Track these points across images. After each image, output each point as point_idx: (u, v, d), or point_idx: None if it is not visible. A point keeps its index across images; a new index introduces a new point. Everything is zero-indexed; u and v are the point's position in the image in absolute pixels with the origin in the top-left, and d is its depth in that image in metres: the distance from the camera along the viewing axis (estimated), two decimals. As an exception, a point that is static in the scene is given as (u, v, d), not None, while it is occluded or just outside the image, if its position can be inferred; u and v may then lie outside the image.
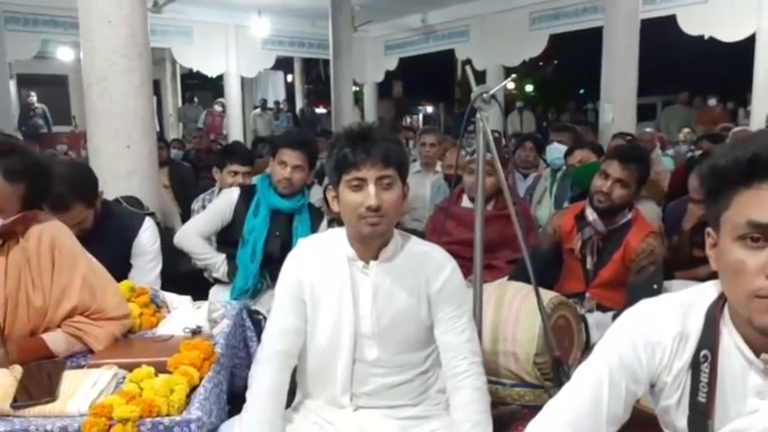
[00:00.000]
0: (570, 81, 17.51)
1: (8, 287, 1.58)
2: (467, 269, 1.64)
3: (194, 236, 2.70)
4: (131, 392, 1.39)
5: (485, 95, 1.65)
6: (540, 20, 9.70)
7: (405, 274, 1.52)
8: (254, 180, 2.88)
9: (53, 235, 1.66)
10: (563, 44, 10.99)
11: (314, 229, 2.72)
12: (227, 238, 2.74)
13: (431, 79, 17.10)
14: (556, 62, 18.74)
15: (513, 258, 2.67)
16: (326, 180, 3.54)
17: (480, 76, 9.51)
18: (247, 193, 2.71)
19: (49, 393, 1.39)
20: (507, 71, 10.11)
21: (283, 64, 14.85)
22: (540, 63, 17.16)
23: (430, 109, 19.21)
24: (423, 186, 4.24)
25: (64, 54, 12.68)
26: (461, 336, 1.53)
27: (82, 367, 1.58)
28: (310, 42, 12.44)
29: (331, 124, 10.02)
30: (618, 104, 5.81)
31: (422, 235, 2.27)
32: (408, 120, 17.80)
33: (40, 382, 1.43)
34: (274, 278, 2.59)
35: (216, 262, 2.72)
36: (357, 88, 13.23)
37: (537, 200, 4.07)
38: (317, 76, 17.02)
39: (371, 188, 1.42)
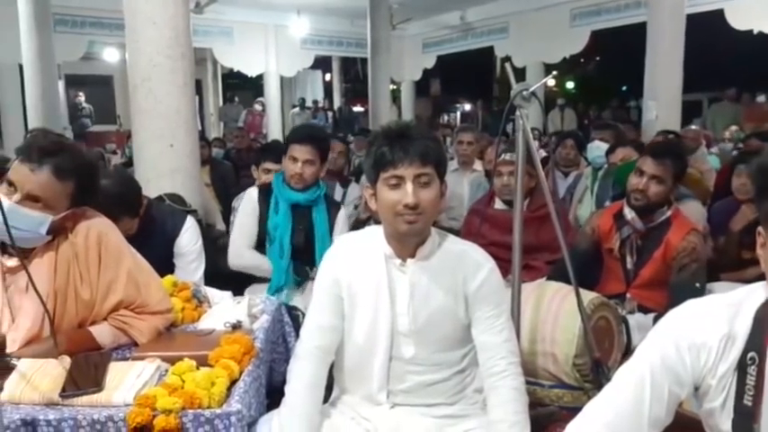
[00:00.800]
0: (612, 78, 17.15)
1: (57, 281, 1.64)
2: (503, 270, 1.62)
3: (246, 249, 2.69)
4: (174, 384, 1.42)
5: (524, 93, 1.63)
6: (581, 16, 9.54)
7: (442, 273, 1.52)
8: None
9: (100, 231, 1.71)
10: (605, 40, 10.78)
11: (331, 219, 2.73)
12: (256, 240, 2.75)
13: (469, 77, 16.99)
14: (597, 59, 18.39)
15: (552, 259, 2.63)
16: (364, 178, 3.56)
17: (520, 74, 9.40)
18: (265, 191, 2.73)
19: (96, 384, 1.44)
20: (547, 68, 9.97)
21: (321, 63, 14.97)
22: (582, 60, 16.85)
23: (468, 107, 19.07)
24: (460, 185, 4.22)
25: (109, 55, 13.06)
26: (499, 335, 1.52)
27: (127, 359, 1.62)
28: (348, 41, 12.50)
29: (368, 123, 10.05)
30: (662, 102, 5.67)
31: (458, 234, 2.27)
32: (446, 118, 17.73)
33: (87, 372, 1.47)
34: (303, 270, 2.65)
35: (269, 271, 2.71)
36: (394, 86, 13.24)
37: (578, 199, 4.01)
38: (354, 75, 17.10)
39: (409, 186, 1.42)
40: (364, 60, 11.00)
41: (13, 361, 1.47)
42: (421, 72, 13.26)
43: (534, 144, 1.69)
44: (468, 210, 3.33)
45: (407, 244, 1.51)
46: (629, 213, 2.46)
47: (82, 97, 12.71)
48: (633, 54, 6.90)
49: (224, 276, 2.68)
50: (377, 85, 9.20)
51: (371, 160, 1.48)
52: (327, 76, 17.53)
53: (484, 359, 1.53)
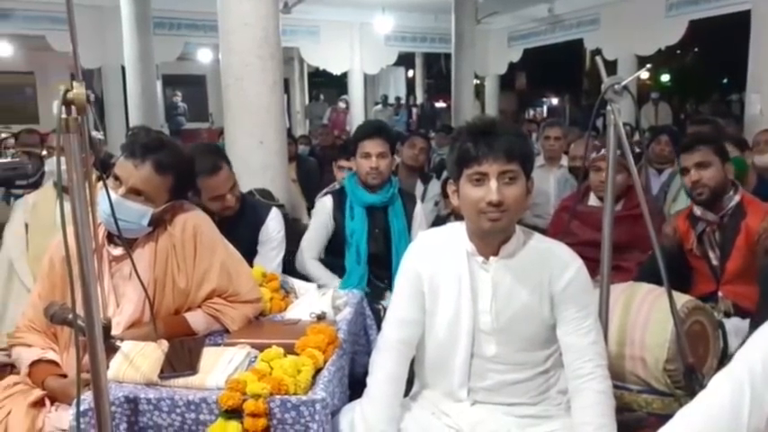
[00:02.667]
0: (712, 70, 16.17)
1: (157, 270, 1.75)
2: (592, 270, 1.58)
3: (310, 260, 2.69)
4: (263, 371, 1.48)
5: (616, 86, 1.58)
6: (677, 5, 9.02)
7: (526, 272, 1.49)
8: (343, 182, 2.85)
9: (196, 223, 1.81)
10: (704, 30, 10.15)
11: (408, 215, 2.69)
12: (335, 247, 2.74)
13: (556, 70, 16.52)
14: (695, 50, 17.38)
15: (643, 260, 2.53)
16: (445, 173, 3.55)
17: (611, 66, 9.04)
18: (339, 197, 2.70)
19: (191, 367, 1.52)
20: (641, 61, 9.51)
21: (405, 59, 15.00)
22: (678, 51, 15.98)
23: (555, 101, 18.56)
24: (546, 181, 4.12)
25: (203, 55, 13.67)
26: (586, 337, 1.48)
27: (219, 345, 1.71)
28: (432, 37, 12.45)
29: (451, 119, 9.99)
30: (767, 95, 5.28)
31: (543, 232, 2.22)
32: (531, 112, 17.33)
33: (182, 356, 1.57)
34: (382, 275, 2.63)
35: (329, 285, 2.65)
36: (478, 81, 13.08)
37: (672, 197, 3.81)
38: (437, 71, 17.04)
39: (493, 183, 1.41)
40: (448, 56, 10.93)
41: (118, 343, 1.59)
42: (506, 66, 13.00)
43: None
44: (559, 206, 3.25)
45: (490, 242, 1.50)
46: (697, 210, 2.42)
47: (178, 96, 13.42)
48: (735, 44, 6.48)
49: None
50: (460, 80, 9.12)
51: (455, 156, 1.47)
52: (410, 73, 17.56)
53: (569, 361, 1.49)
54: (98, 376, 1.20)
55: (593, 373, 1.46)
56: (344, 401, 1.69)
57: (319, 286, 2.67)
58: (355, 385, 1.80)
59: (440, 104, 15.56)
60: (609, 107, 1.61)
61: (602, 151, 2.65)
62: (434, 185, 4.02)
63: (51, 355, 1.71)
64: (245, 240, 2.46)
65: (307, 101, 15.13)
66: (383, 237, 2.64)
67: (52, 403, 1.64)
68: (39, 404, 1.63)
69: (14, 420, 1.57)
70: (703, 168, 2.34)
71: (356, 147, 2.64)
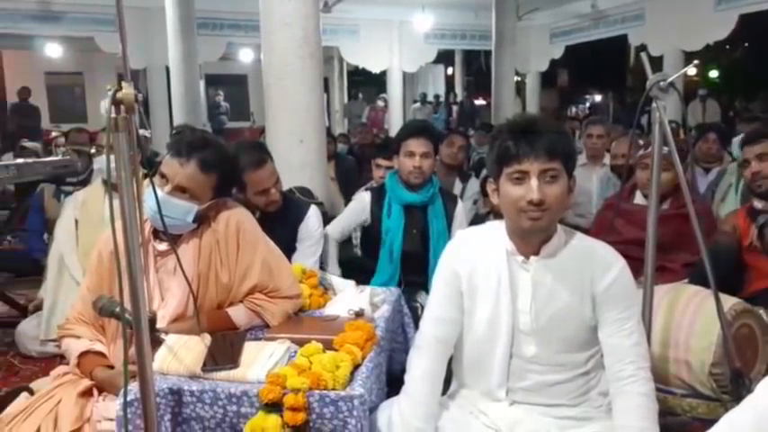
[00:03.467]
0: (762, 66, 15.57)
1: (200, 265, 1.79)
2: (636, 271, 1.54)
3: (333, 241, 2.75)
4: (302, 365, 1.50)
5: (662, 83, 1.54)
6: (727, -1, 8.74)
7: (568, 272, 1.47)
8: (383, 180, 2.87)
9: (238, 220, 1.85)
10: (754, 25, 9.79)
11: (449, 215, 2.67)
12: (368, 240, 2.79)
13: (599, 67, 16.21)
14: (745, 45, 16.79)
15: (690, 261, 2.46)
16: (484, 172, 3.52)
17: (656, 63, 8.82)
18: (378, 194, 2.71)
19: (232, 361, 1.55)
20: (688, 56, 9.25)
21: (444, 57, 14.94)
22: (727, 46, 15.48)
23: (598, 98, 18.21)
24: (588, 180, 4.05)
25: (245, 55, 13.89)
26: (628, 339, 1.45)
27: (260, 340, 1.73)
28: (472, 34, 12.36)
29: (490, 117, 9.90)
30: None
31: (585, 231, 2.19)
32: (573, 110, 17.05)
33: (224, 350, 1.60)
34: (415, 275, 2.61)
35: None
36: (519, 78, 12.92)
37: (720, 197, 3.70)
38: (477, 68, 16.91)
39: (534, 182, 1.39)
40: (488, 53, 10.85)
41: (162, 336, 1.63)
42: (548, 63, 12.82)
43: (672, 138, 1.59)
44: (603, 204, 3.19)
45: (531, 241, 1.48)
46: (758, 203, 2.39)
47: (221, 96, 13.67)
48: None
49: (347, 266, 2.79)
50: (500, 77, 9.03)
51: (495, 154, 1.46)
52: (449, 70, 17.48)
53: (611, 363, 1.46)
54: (144, 368, 1.23)
55: (635, 376, 1.43)
56: (382, 398, 1.70)
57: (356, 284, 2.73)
58: (393, 382, 1.81)
59: (479, 102, 15.43)
60: (654, 104, 1.57)
61: (649, 149, 2.59)
62: (473, 184, 4.00)
63: (99, 347, 1.76)
64: (285, 237, 2.49)
65: (346, 99, 15.21)
66: (420, 236, 2.63)
67: (100, 393, 1.70)
68: (87, 394, 1.69)
69: (64, 409, 1.63)
70: (764, 160, 2.32)
71: (399, 145, 2.64)
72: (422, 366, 1.55)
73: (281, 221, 2.49)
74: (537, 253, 1.49)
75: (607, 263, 1.47)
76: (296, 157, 3.50)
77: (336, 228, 2.78)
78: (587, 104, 18.44)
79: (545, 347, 1.49)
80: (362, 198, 2.75)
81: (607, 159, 4.19)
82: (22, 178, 3.08)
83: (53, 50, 12.88)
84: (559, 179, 1.42)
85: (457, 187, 3.96)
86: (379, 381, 1.72)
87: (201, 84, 10.34)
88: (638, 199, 2.73)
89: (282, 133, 3.54)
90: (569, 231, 1.54)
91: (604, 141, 4.22)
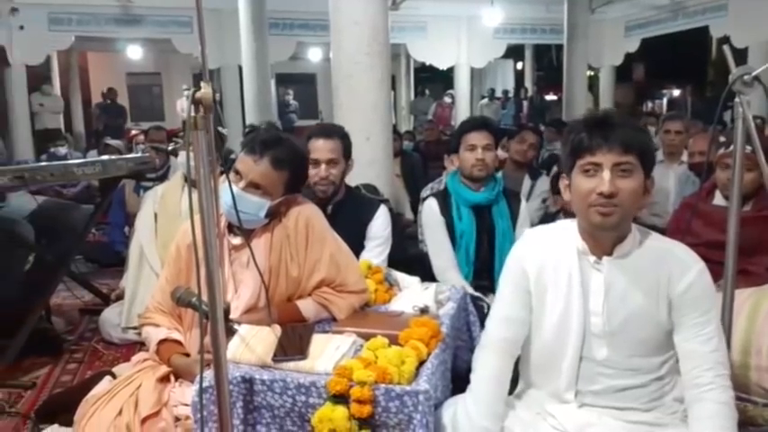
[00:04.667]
0: None
1: (272, 259, 1.84)
2: (714, 273, 1.48)
3: (451, 270, 2.54)
4: (368, 359, 1.53)
5: (746, 77, 1.47)
6: (820, -15, 8.17)
7: (642, 273, 1.43)
8: (446, 181, 2.80)
9: (308, 216, 1.89)
10: None
11: (513, 214, 2.61)
12: None
13: (677, 60, 15.48)
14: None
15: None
16: (555, 169, 3.44)
17: (740, 55, 8.36)
18: (443, 198, 2.64)
19: (301, 352, 1.59)
20: (774, 48, 8.72)
21: (513, 52, 14.69)
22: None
23: (676, 92, 17.44)
24: (665, 178, 3.89)
25: (313, 54, 14.14)
26: (707, 344, 1.39)
27: (327, 332, 1.77)
28: (543, 28, 12.09)
29: (561, 112, 9.67)
30: None
31: (662, 232, 2.11)
32: (650, 105, 16.40)
33: (294, 341, 1.64)
34: (484, 276, 2.56)
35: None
36: (591, 73, 12.54)
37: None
38: (548, 63, 16.54)
39: (606, 174, 1.35)
40: (559, 47, 10.60)
41: (235, 326, 1.69)
42: (622, 57, 12.36)
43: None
44: (680, 203, 3.05)
45: (603, 239, 1.44)
46: None
47: (290, 95, 13.97)
48: None
49: (412, 262, 2.79)
50: (572, 72, 8.83)
51: (568, 148, 1.43)
52: (519, 65, 17.18)
53: (687, 369, 1.41)
54: (219, 357, 1.28)
55: (713, 383, 1.37)
56: (447, 395, 1.71)
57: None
58: (457, 380, 1.80)
59: (550, 97, 15.09)
60: (737, 99, 1.50)
61: (731, 147, 2.46)
62: (543, 182, 3.92)
63: (176, 336, 1.85)
64: (353, 234, 2.52)
65: (412, 96, 15.22)
66: (487, 236, 2.59)
67: (176, 379, 1.78)
68: (165, 379, 1.77)
69: (144, 393, 1.71)
70: None
71: (460, 141, 2.60)
72: (488, 366, 1.54)
73: (348, 219, 2.52)
74: (610, 253, 1.45)
75: (685, 264, 1.42)
76: (363, 154, 3.53)
77: (446, 259, 2.56)
78: (665, 99, 17.69)
79: (617, 350, 1.45)
80: (431, 207, 2.66)
81: (685, 157, 4.01)
82: (106, 174, 3.26)
83: (134, 52, 13.55)
84: (634, 174, 1.37)
85: (526, 185, 3.89)
86: (444, 378, 1.72)
87: (272, 83, 10.60)
88: (718, 200, 2.60)
89: (350, 131, 3.53)
90: (644, 231, 1.49)
91: (683, 138, 4.04)
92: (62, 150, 7.03)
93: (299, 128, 12.78)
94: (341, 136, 2.50)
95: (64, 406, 2.14)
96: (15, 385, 2.75)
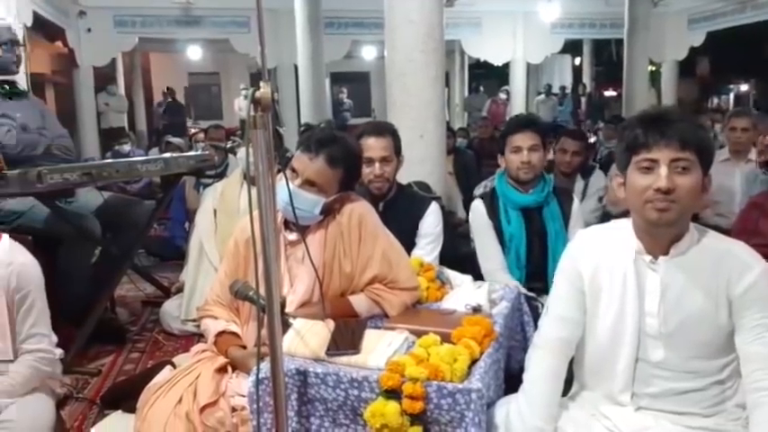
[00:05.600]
0: None
1: (326, 255, 1.87)
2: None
3: (500, 274, 2.49)
4: (420, 356, 1.53)
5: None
6: None
7: (701, 273, 1.38)
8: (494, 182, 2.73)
9: (361, 213, 1.92)
10: None
11: (565, 213, 2.52)
12: None
13: (745, 54, 14.80)
14: None
15: None
16: (612, 169, 3.35)
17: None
18: (490, 200, 2.58)
19: (354, 347, 1.61)
20: None
21: (571, 47, 14.37)
22: None
23: (744, 88, 16.68)
24: (730, 177, 3.73)
25: (367, 53, 14.22)
26: None
27: (379, 328, 1.78)
28: (602, 22, 11.79)
29: (621, 108, 9.40)
30: None
31: (726, 233, 2.03)
32: (715, 101, 15.75)
33: (346, 336, 1.66)
34: (537, 279, 2.48)
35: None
36: (653, 68, 12.14)
37: None
38: (607, 58, 16.10)
39: (663, 170, 1.32)
40: (619, 41, 10.31)
41: (290, 320, 1.73)
42: (686, 51, 11.93)
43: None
44: (747, 203, 2.92)
45: (660, 238, 1.41)
46: None
47: (344, 93, 14.10)
48: None
49: (464, 261, 2.78)
50: (633, 67, 8.57)
51: (624, 144, 1.40)
52: (577, 60, 16.79)
53: (748, 372, 1.36)
54: (275, 349, 1.32)
55: None
56: (500, 395, 1.70)
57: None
58: (510, 380, 1.79)
59: (609, 93, 14.69)
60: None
61: None
62: (598, 179, 3.79)
63: (234, 328, 1.90)
64: (404, 231, 2.53)
65: (466, 93, 15.10)
66: (538, 238, 2.52)
67: (233, 370, 1.83)
68: (222, 370, 1.83)
69: (203, 383, 1.77)
70: None
71: (505, 142, 2.53)
72: (542, 366, 1.52)
73: (400, 216, 2.53)
74: (666, 252, 1.41)
75: (746, 264, 1.37)
76: (416, 151, 3.53)
77: (494, 258, 2.52)
78: (731, 95, 16.95)
79: (674, 353, 1.41)
80: (478, 209, 2.61)
81: (753, 155, 3.84)
82: (168, 171, 3.38)
83: (193, 52, 13.96)
84: (692, 171, 1.33)
85: (578, 185, 3.77)
86: (497, 377, 1.72)
87: (327, 82, 10.72)
88: None
89: (403, 128, 3.56)
90: (702, 230, 1.44)
91: (750, 135, 3.86)
92: (126, 148, 7.30)
93: (353, 126, 12.91)
94: (391, 133, 2.50)
95: (127, 393, 2.24)
96: (82, 372, 2.88)
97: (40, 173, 2.56)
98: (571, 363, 1.57)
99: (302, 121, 8.37)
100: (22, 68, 3.41)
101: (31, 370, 1.90)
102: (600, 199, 3.68)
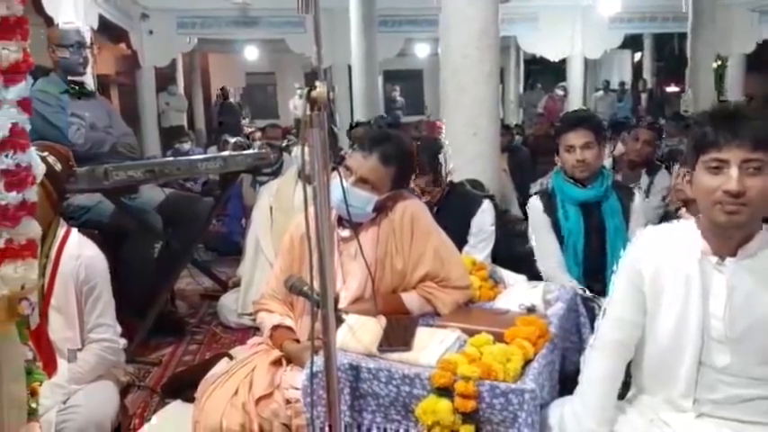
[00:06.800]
0: None
1: (378, 252, 1.89)
2: None
3: (559, 273, 2.45)
4: (473, 355, 1.53)
5: None
6: None
7: None
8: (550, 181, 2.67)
9: (413, 210, 1.92)
10: None
11: (626, 210, 2.44)
12: None
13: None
14: None
15: None
16: (677, 167, 3.24)
17: None
18: (547, 197, 2.53)
19: (405, 344, 1.62)
20: None
21: (631, 41, 13.94)
22: None
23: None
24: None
25: (420, 50, 14.18)
26: None
27: (430, 326, 1.78)
28: (664, 16, 11.41)
29: (681, 105, 9.06)
30: None
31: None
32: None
33: (398, 333, 1.67)
34: (595, 277, 2.42)
35: None
36: (719, 62, 11.63)
37: None
38: (669, 52, 15.53)
39: (734, 171, 1.27)
40: (682, 35, 9.93)
41: (343, 315, 1.75)
42: (754, 44, 11.39)
43: None
44: None
45: (728, 240, 1.35)
46: None
47: (397, 91, 14.11)
48: None
49: (518, 260, 2.74)
50: (697, 61, 8.23)
51: (692, 141, 1.36)
52: (637, 55, 16.28)
53: None
54: (329, 344, 1.34)
55: None
56: (554, 396, 1.67)
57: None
58: (565, 381, 1.76)
59: (672, 89, 14.16)
60: None
61: None
62: (663, 178, 3.70)
63: (289, 322, 1.94)
64: (456, 229, 2.52)
65: (522, 89, 14.87)
66: (597, 235, 2.46)
67: (288, 363, 1.87)
68: (277, 363, 1.87)
69: (258, 375, 1.82)
70: None
71: (558, 141, 2.48)
72: (599, 368, 1.49)
73: (452, 214, 2.52)
74: (734, 254, 1.35)
75: None
76: (469, 148, 3.52)
77: (548, 258, 2.48)
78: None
79: (741, 358, 1.35)
80: (535, 206, 2.56)
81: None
82: (226, 169, 3.47)
83: (250, 53, 14.26)
84: (764, 172, 1.27)
85: (644, 182, 3.69)
86: (551, 378, 1.69)
87: (379, 80, 10.77)
88: None
89: (457, 125, 3.58)
90: (773, 231, 1.38)
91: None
92: (185, 146, 7.50)
93: (405, 124, 12.91)
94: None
95: (186, 383, 2.32)
96: (144, 362, 3.00)
97: (107, 170, 2.67)
98: (629, 365, 1.53)
99: (355, 119, 8.43)
100: (89, 69, 3.56)
101: (97, 358, 1.99)
102: (663, 198, 3.59)
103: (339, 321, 1.70)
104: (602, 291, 2.36)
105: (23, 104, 1.25)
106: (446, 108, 3.66)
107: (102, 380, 2.02)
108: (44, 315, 1.93)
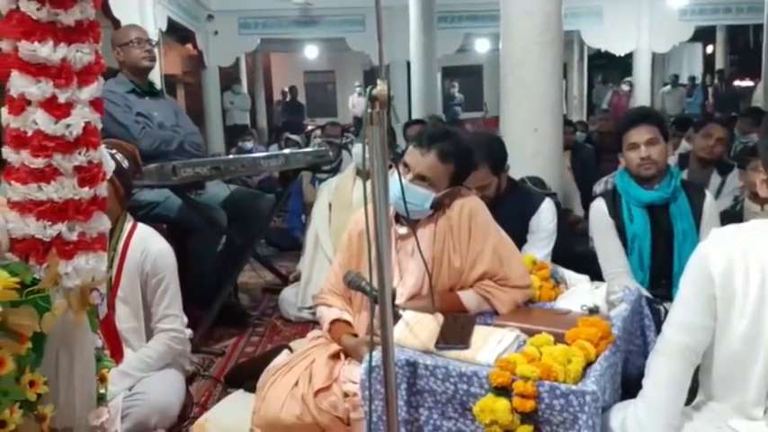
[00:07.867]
0: None
1: (435, 249, 1.89)
2: None
3: (623, 277, 2.34)
4: (532, 355, 1.50)
5: None
6: None
7: None
8: (615, 181, 2.57)
9: (471, 208, 1.91)
10: None
11: (696, 212, 2.33)
12: None
13: None
14: None
15: None
16: (751, 163, 3.09)
17: None
18: (611, 198, 2.44)
19: (463, 341, 1.61)
20: None
21: (702, 34, 13.35)
22: None
23: None
24: None
25: (480, 46, 14.02)
26: None
27: (489, 325, 1.77)
28: (739, 7, 10.88)
29: (756, 100, 8.61)
30: None
31: None
32: None
33: (455, 331, 1.67)
34: (661, 281, 2.35)
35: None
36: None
37: None
38: (743, 45, 14.79)
39: None
40: (758, 27, 9.44)
41: (400, 311, 1.76)
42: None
43: None
44: None
45: (805, 241, 1.29)
46: None
47: (455, 87, 14.02)
48: None
49: (580, 260, 2.68)
50: (774, 54, 7.81)
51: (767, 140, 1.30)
52: (709, 49, 15.58)
53: None
54: (387, 339, 1.35)
55: None
56: (615, 399, 1.63)
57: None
58: (628, 385, 1.72)
59: (746, 83, 13.48)
60: None
61: None
62: (736, 178, 3.53)
63: (347, 317, 1.96)
64: (515, 227, 2.49)
65: (586, 85, 14.49)
66: (664, 238, 2.36)
67: (346, 357, 1.90)
68: (336, 357, 1.90)
69: (317, 368, 1.85)
70: None
71: (621, 140, 2.39)
72: (664, 373, 1.44)
73: (511, 212, 2.48)
74: (810, 255, 1.28)
75: None
76: (529, 145, 3.46)
77: (612, 261, 2.40)
78: None
79: (819, 366, 1.28)
80: (599, 208, 2.47)
81: None
82: (288, 166, 3.55)
83: (310, 52, 14.49)
84: None
85: (714, 182, 3.52)
86: (614, 381, 1.65)
87: (438, 76, 10.72)
88: None
89: (517, 122, 3.52)
90: None
91: None
92: (248, 144, 7.70)
93: (463, 120, 12.81)
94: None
95: (248, 374, 2.38)
96: (208, 352, 3.09)
97: (175, 167, 2.77)
98: (696, 371, 1.47)
99: (413, 116, 8.43)
100: (156, 69, 3.68)
101: (164, 347, 2.08)
102: (735, 198, 3.42)
103: (396, 317, 1.71)
104: (667, 296, 2.27)
105: (95, 104, 1.31)
106: (506, 104, 3.61)
107: (169, 368, 2.10)
108: (111, 306, 2.03)
